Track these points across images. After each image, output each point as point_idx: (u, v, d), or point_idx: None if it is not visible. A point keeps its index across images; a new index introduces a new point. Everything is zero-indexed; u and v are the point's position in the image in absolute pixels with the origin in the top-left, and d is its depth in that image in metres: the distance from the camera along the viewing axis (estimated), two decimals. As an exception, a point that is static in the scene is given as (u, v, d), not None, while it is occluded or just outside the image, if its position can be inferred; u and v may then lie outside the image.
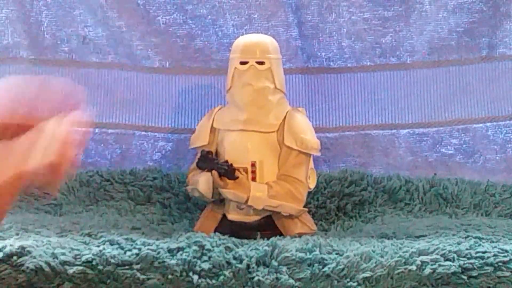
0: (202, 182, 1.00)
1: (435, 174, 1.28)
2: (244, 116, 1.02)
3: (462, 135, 1.32)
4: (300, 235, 0.99)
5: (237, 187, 0.98)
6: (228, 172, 0.98)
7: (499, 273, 0.86)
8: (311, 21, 1.31)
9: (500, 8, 1.30)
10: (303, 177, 1.02)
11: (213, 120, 1.06)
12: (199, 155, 1.03)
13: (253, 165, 1.01)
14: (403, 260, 0.86)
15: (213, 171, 0.99)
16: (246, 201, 0.99)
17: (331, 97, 1.33)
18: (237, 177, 0.99)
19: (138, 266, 0.84)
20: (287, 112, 1.03)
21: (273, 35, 1.10)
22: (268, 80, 1.03)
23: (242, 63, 1.03)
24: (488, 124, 1.32)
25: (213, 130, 1.06)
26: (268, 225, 1.02)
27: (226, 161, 1.00)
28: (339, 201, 1.18)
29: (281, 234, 1.00)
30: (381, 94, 1.33)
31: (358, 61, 1.33)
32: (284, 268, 0.85)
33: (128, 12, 1.31)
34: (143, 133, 1.32)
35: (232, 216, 1.02)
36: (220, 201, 1.04)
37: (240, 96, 1.02)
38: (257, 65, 1.02)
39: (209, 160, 1.00)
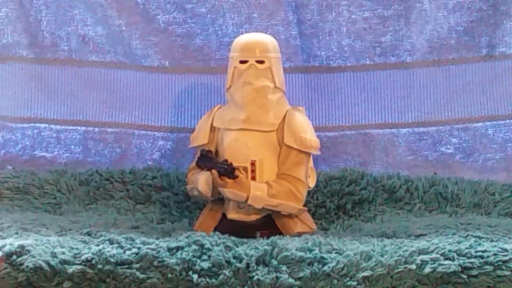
0: (201, 181, 1.00)
1: (435, 173, 1.28)
2: (244, 115, 1.01)
3: (462, 134, 1.32)
4: (300, 234, 0.99)
5: (237, 186, 0.98)
6: (227, 171, 0.98)
7: (499, 272, 0.86)
8: (310, 20, 1.31)
9: (500, 7, 1.30)
10: (303, 176, 1.02)
11: (212, 119, 1.06)
12: (198, 154, 1.03)
13: (252, 164, 1.00)
14: (403, 259, 0.86)
15: (213, 170, 0.99)
16: (246, 200, 0.99)
17: (331, 96, 1.33)
18: (237, 176, 0.98)
19: (137, 265, 0.84)
20: (286, 111, 1.03)
21: (273, 34, 1.10)
22: (268, 79, 1.03)
23: (242, 62, 1.03)
24: (488, 123, 1.32)
25: (213, 129, 1.06)
26: (268, 224, 1.01)
27: (226, 160, 0.99)
28: (339, 200, 1.18)
29: (281, 233, 1.00)
30: (381, 93, 1.33)
31: (358, 60, 1.33)
32: (284, 267, 0.85)
33: (127, 11, 1.31)
34: (143, 132, 1.32)
35: (232, 215, 1.02)
36: (219, 200, 1.03)
37: (240, 95, 1.02)
38: (257, 64, 1.02)
39: (208, 159, 1.00)
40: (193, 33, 1.31)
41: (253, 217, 1.01)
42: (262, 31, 1.24)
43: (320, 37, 1.32)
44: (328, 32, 1.31)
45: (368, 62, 1.32)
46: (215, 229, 1.00)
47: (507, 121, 1.32)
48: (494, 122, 1.32)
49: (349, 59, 1.32)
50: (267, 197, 0.99)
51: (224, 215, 1.03)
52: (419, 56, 1.32)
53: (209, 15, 1.30)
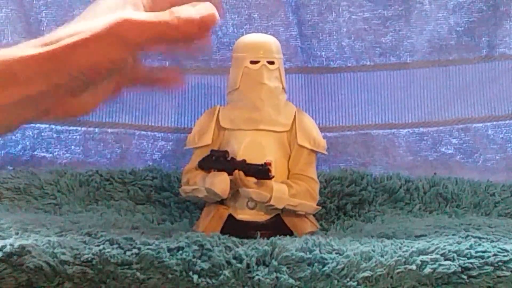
0: (219, 183, 0.98)
1: (435, 173, 1.28)
2: (259, 116, 1.01)
3: (462, 134, 1.32)
4: (311, 233, 1.00)
5: (261, 186, 0.97)
6: (263, 171, 0.97)
7: (499, 272, 0.86)
8: (311, 21, 1.31)
9: (500, 7, 1.30)
10: (315, 175, 1.03)
11: (218, 120, 1.05)
12: (202, 155, 1.02)
13: (269, 164, 0.99)
14: (403, 260, 0.86)
15: (238, 171, 0.97)
16: (268, 201, 0.98)
17: (331, 96, 1.33)
18: (273, 176, 0.97)
19: (138, 266, 0.84)
20: (295, 112, 1.03)
21: (273, 35, 1.10)
22: (277, 80, 1.03)
23: (253, 62, 1.02)
24: (488, 123, 1.32)
25: (217, 129, 1.04)
26: (278, 225, 1.01)
27: (244, 160, 0.98)
28: (339, 201, 1.18)
29: (291, 233, 1.00)
30: (381, 94, 1.33)
31: (358, 61, 1.33)
32: (284, 268, 0.85)
33: (128, 12, 1.31)
34: (143, 132, 1.33)
35: (242, 216, 1.01)
36: (221, 201, 1.03)
37: (254, 96, 1.01)
38: (268, 65, 1.02)
39: (229, 161, 0.98)
40: (193, 34, 1.31)
41: (264, 218, 1.01)
42: (262, 31, 1.25)
43: (320, 38, 1.32)
44: (328, 32, 1.31)
45: (368, 63, 1.33)
46: (223, 231, 0.99)
47: (507, 121, 1.32)
48: (494, 123, 1.32)
49: (349, 60, 1.33)
50: (288, 197, 0.99)
51: (229, 216, 1.02)
52: (419, 57, 1.32)
53: (209, 16, 1.30)
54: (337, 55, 1.32)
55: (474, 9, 1.30)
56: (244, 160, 0.98)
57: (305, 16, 1.31)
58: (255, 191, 0.97)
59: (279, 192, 0.98)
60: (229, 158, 0.99)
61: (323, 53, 1.32)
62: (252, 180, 0.97)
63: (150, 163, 1.30)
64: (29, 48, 0.90)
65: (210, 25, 0.89)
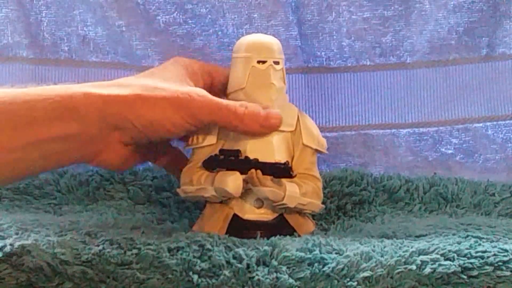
0: (232, 181, 0.97)
1: (435, 173, 1.28)
2: None
3: (462, 134, 1.32)
4: (311, 233, 1.00)
5: (275, 185, 0.97)
6: (284, 170, 0.97)
7: (499, 272, 0.86)
8: (311, 21, 1.31)
9: (500, 7, 1.30)
10: (318, 174, 1.03)
11: None
12: (200, 155, 1.01)
13: (288, 163, 0.99)
14: (403, 260, 0.86)
15: (255, 170, 0.96)
16: (281, 199, 0.97)
17: (331, 96, 1.33)
18: (295, 175, 0.97)
19: (138, 266, 0.84)
20: (297, 112, 1.03)
21: (273, 35, 1.10)
22: (282, 81, 1.03)
23: (260, 62, 1.02)
24: (488, 123, 1.32)
25: (222, 128, 1.04)
26: (283, 225, 1.01)
27: (257, 159, 0.98)
28: (339, 201, 1.19)
29: (292, 233, 1.00)
30: (381, 94, 1.33)
31: (358, 61, 1.33)
32: (284, 268, 0.85)
33: (127, 12, 1.31)
34: (143, 132, 1.32)
35: (250, 215, 1.01)
36: (224, 200, 1.02)
37: (263, 96, 1.01)
38: (274, 65, 1.02)
39: (243, 160, 0.98)
40: (193, 34, 1.31)
41: (270, 217, 1.01)
42: (262, 31, 1.25)
43: (320, 38, 1.32)
44: (328, 32, 1.31)
45: (368, 63, 1.33)
46: (228, 231, 0.99)
47: (507, 121, 1.32)
48: (494, 123, 1.32)
49: (349, 60, 1.33)
50: (299, 196, 0.98)
51: (234, 216, 1.01)
52: (419, 57, 1.32)
53: (209, 16, 1.30)
54: (337, 55, 1.32)
55: (474, 9, 1.30)
56: (256, 159, 0.98)
57: (305, 16, 1.31)
58: (271, 190, 0.97)
59: (292, 191, 0.98)
60: (242, 157, 0.99)
61: (323, 53, 1.32)
62: (268, 179, 0.97)
63: (150, 163, 1.30)
64: (94, 87, 0.91)
65: (273, 127, 0.96)
